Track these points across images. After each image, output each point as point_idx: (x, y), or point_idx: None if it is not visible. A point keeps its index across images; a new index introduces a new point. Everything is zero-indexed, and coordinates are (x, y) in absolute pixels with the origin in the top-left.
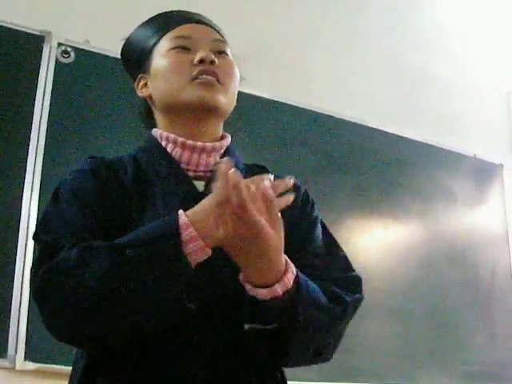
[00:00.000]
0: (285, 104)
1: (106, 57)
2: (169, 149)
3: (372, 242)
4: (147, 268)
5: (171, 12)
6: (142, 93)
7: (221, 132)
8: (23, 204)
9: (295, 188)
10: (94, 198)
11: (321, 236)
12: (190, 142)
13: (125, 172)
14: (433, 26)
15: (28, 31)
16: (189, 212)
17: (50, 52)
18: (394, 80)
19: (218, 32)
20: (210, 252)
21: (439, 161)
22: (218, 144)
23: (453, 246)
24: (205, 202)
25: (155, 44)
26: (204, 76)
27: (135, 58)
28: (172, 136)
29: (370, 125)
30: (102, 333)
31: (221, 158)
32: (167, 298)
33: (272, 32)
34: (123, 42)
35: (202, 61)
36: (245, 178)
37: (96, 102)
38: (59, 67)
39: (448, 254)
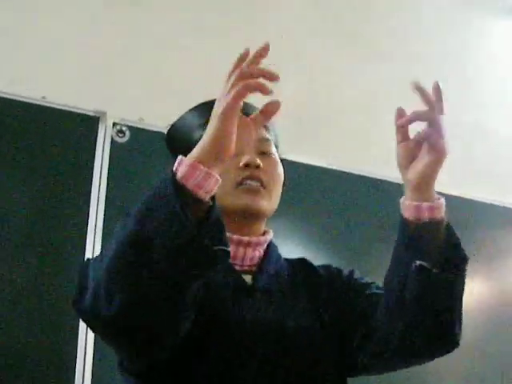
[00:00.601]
0: (341, 172)
1: (162, 134)
2: None
3: None
4: (149, 207)
5: None
6: None
7: (264, 228)
8: None
9: (327, 269)
10: None
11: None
12: (235, 236)
13: None
14: (492, 83)
15: (83, 112)
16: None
17: (105, 132)
18: (452, 139)
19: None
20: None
21: (500, 220)
22: (262, 238)
23: None
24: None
25: (200, 137)
26: (249, 182)
27: (179, 148)
28: None
29: None
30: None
31: (264, 252)
32: (174, 227)
33: (327, 97)
34: (168, 127)
35: (247, 165)
36: (289, 273)
37: (153, 180)
38: (115, 147)
39: None
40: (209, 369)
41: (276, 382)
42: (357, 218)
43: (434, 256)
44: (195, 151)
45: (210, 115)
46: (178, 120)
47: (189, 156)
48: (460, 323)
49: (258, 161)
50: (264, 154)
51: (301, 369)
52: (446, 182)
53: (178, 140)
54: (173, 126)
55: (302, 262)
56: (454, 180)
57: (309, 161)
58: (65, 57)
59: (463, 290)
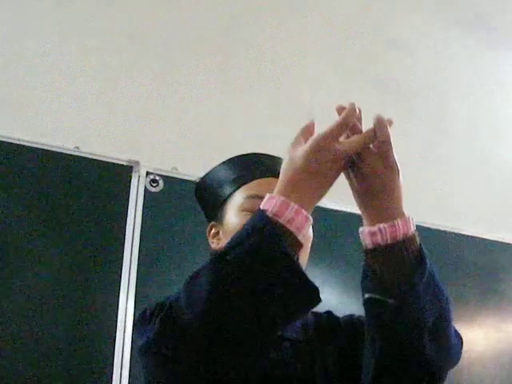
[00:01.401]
0: None
1: (195, 183)
2: None
3: (475, 354)
4: (251, 261)
5: (252, 157)
6: (212, 243)
7: None
8: (117, 337)
9: (350, 319)
10: None
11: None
12: None
13: None
14: None
15: (116, 161)
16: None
17: (138, 181)
18: (488, 183)
19: None
20: (310, 217)
21: None
22: None
23: None
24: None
25: (230, 195)
26: None
27: (209, 203)
28: None
29: (465, 233)
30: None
31: None
32: (283, 280)
33: None
34: (198, 181)
35: None
36: (315, 325)
37: (186, 230)
38: (148, 196)
39: None
40: None
41: None
42: None
43: (386, 285)
44: (300, 196)
45: (241, 170)
46: (209, 173)
47: (295, 198)
48: (438, 344)
49: None
50: None
51: None
52: (485, 227)
53: (208, 193)
54: (203, 178)
55: (328, 315)
56: (492, 225)
57: (342, 207)
58: (98, 107)
59: (432, 313)
